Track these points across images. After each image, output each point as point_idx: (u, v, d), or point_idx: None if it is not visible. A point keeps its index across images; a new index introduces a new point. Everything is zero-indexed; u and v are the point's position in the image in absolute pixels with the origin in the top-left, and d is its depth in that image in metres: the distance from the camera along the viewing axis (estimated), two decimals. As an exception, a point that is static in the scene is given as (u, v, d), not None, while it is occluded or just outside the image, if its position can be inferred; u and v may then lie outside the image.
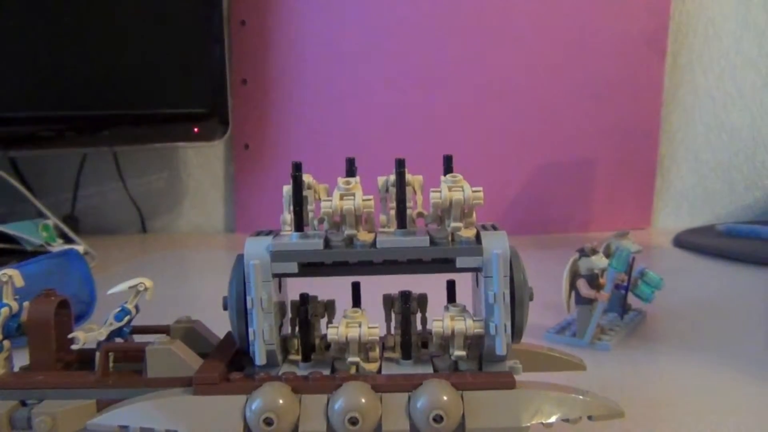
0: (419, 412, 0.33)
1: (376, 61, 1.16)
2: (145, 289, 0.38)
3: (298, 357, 0.38)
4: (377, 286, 0.40)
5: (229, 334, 0.40)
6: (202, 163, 1.26)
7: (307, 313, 0.37)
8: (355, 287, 0.40)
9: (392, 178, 0.37)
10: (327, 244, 0.36)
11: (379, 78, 1.16)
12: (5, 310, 0.37)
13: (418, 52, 1.15)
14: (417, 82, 1.15)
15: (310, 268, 0.36)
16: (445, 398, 0.33)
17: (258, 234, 0.37)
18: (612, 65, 1.13)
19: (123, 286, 0.38)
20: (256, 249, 0.35)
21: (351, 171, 0.38)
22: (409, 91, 1.15)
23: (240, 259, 0.36)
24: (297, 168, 0.36)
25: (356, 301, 0.40)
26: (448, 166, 0.37)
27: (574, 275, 0.56)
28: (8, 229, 0.94)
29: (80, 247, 0.96)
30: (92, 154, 1.23)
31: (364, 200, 0.35)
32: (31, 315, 0.36)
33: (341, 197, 0.35)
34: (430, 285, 0.41)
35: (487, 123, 1.15)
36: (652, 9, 1.12)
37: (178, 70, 1.11)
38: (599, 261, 0.54)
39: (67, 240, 1.01)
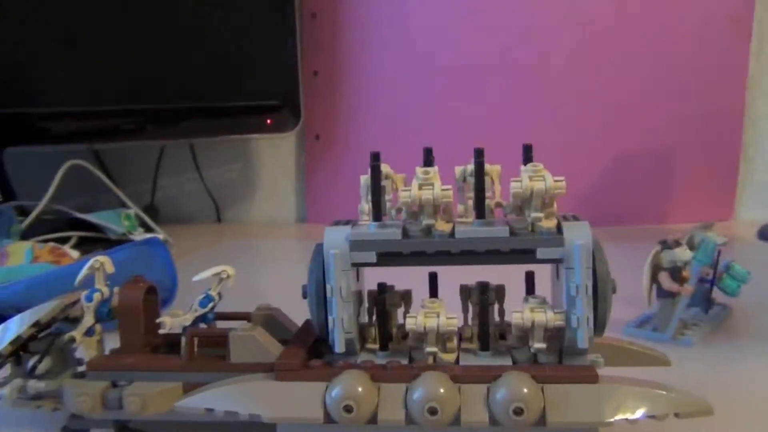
0: (499, 404, 0.32)
1: (448, 50, 1.15)
2: (228, 276, 0.39)
3: (376, 346, 0.38)
4: (454, 277, 0.40)
5: (307, 322, 0.41)
6: (274, 154, 1.29)
7: (385, 302, 0.37)
8: (433, 277, 0.40)
9: (470, 167, 0.37)
10: (405, 233, 0.36)
11: (450, 67, 1.15)
12: (97, 296, 0.38)
13: (489, 39, 1.13)
14: (489, 70, 1.13)
15: (388, 257, 0.36)
16: (525, 390, 0.32)
17: (336, 224, 0.37)
18: (693, 48, 1.08)
19: (207, 273, 0.39)
20: (336, 238, 0.36)
21: (429, 161, 0.37)
22: (482, 80, 1.14)
23: (319, 248, 0.36)
24: (375, 158, 0.36)
25: (433, 292, 0.40)
26: (527, 156, 0.36)
27: (656, 268, 0.54)
28: (93, 218, 0.98)
29: (160, 236, 1.00)
30: (170, 146, 1.27)
31: (443, 190, 0.35)
32: (121, 300, 0.38)
33: (420, 187, 0.35)
34: (507, 276, 0.41)
35: (561, 111, 1.12)
36: (736, -10, 1.07)
37: (251, 63, 1.13)
38: (683, 253, 0.53)
39: (148, 229, 1.04)
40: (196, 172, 1.28)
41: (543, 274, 0.39)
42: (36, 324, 0.38)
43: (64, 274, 0.61)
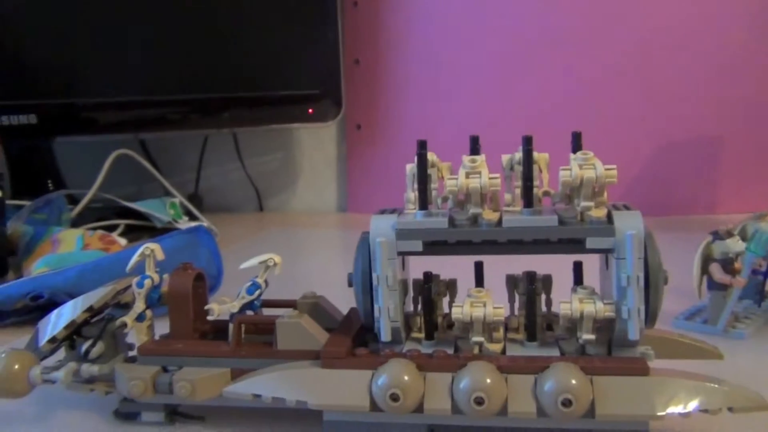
0: (547, 395, 0.32)
1: (490, 39, 1.14)
2: (275, 264, 0.39)
3: (421, 335, 0.38)
4: (500, 266, 0.39)
5: (352, 310, 0.41)
6: (316, 143, 1.29)
7: (430, 291, 0.37)
8: (478, 267, 0.39)
9: (518, 156, 0.36)
10: (452, 222, 0.35)
11: (493, 56, 1.14)
12: (148, 282, 0.39)
13: (533, 29, 1.11)
14: (534, 60, 1.12)
15: (435, 246, 0.36)
16: (574, 382, 0.32)
17: (382, 212, 0.37)
18: (743, 36, 1.05)
19: (254, 261, 0.39)
20: (382, 227, 0.35)
21: (475, 149, 0.37)
22: (526, 69, 1.12)
23: (365, 236, 0.36)
24: (422, 146, 0.36)
25: (479, 281, 0.39)
26: (577, 144, 0.36)
27: (707, 259, 0.52)
28: (139, 206, 1.00)
29: (204, 224, 1.01)
30: (213, 135, 1.28)
31: (490, 178, 0.34)
32: (171, 287, 0.38)
33: (467, 175, 0.35)
34: (553, 266, 0.40)
35: (608, 100, 1.10)
36: (792, -28, 1.03)
37: (293, 52, 1.13)
38: (735, 244, 0.51)
39: (192, 217, 1.06)
40: (239, 161, 1.30)
41: (590, 264, 0.39)
42: (89, 309, 0.39)
43: (113, 261, 0.63)
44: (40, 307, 0.60)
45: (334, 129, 1.27)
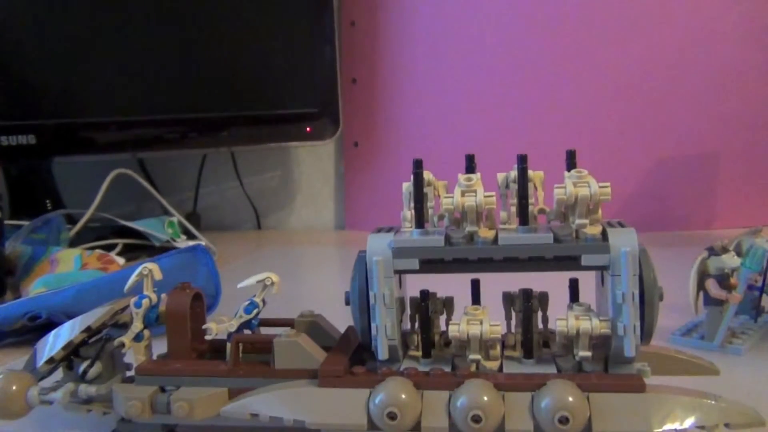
0: (544, 413, 0.32)
1: (486, 59, 1.14)
2: (272, 283, 0.39)
3: (418, 353, 0.38)
4: (496, 284, 0.40)
5: (349, 329, 0.41)
6: (314, 161, 1.30)
7: (427, 309, 0.37)
8: (475, 284, 0.40)
9: (513, 174, 0.37)
10: (448, 240, 0.35)
11: (488, 75, 1.15)
12: (146, 302, 0.39)
13: (528, 47, 1.12)
14: (529, 78, 1.13)
15: (431, 264, 0.36)
16: (570, 399, 0.32)
17: (379, 230, 0.37)
18: (737, 52, 1.06)
19: (251, 280, 0.39)
20: (379, 245, 0.36)
21: (471, 167, 0.37)
22: (521, 87, 1.13)
23: (362, 255, 0.36)
24: (418, 165, 0.36)
25: (476, 299, 0.40)
26: (571, 161, 0.36)
27: (702, 275, 0.53)
28: (137, 225, 1.00)
29: (202, 243, 1.01)
30: (212, 154, 1.28)
31: (486, 196, 0.35)
32: (169, 306, 0.39)
33: (463, 194, 0.35)
34: (549, 283, 0.40)
35: (603, 116, 1.11)
36: (783, -10, 1.05)
37: (291, 71, 1.14)
38: (731, 260, 0.51)
39: (190, 236, 1.06)
40: (237, 179, 1.30)
41: (586, 281, 0.39)
42: (87, 330, 0.39)
43: (111, 280, 0.63)
44: (38, 327, 0.60)
45: (331, 147, 1.28)
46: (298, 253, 1.12)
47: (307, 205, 1.31)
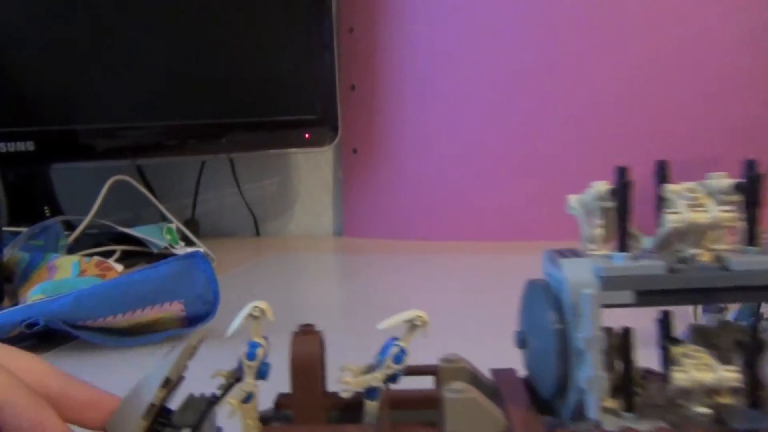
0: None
1: (485, 65, 1.05)
2: (423, 323, 0.27)
3: (611, 403, 0.27)
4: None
5: (498, 373, 0.30)
6: (312, 168, 1.19)
7: (629, 350, 0.27)
8: (665, 316, 0.29)
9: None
10: (669, 267, 0.25)
11: (489, 81, 1.05)
12: (260, 351, 0.27)
13: (528, 54, 1.03)
14: (530, 84, 1.04)
15: (648, 296, 0.26)
16: None
17: (560, 254, 0.27)
18: (739, 59, 0.99)
19: (396, 319, 0.27)
20: (582, 274, 0.25)
21: (663, 177, 0.28)
22: (523, 94, 1.04)
23: (545, 285, 0.26)
24: (622, 173, 0.26)
25: (666, 333, 0.29)
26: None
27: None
28: (135, 232, 0.92)
29: (201, 250, 0.91)
30: (210, 161, 1.17)
31: (723, 212, 0.25)
32: (296, 355, 0.27)
33: (690, 208, 0.25)
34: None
35: (603, 119, 1.02)
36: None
37: (289, 78, 1.05)
38: None
39: (189, 242, 0.97)
40: (236, 186, 1.18)
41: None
42: (166, 383, 0.27)
43: (110, 287, 0.57)
44: (35, 334, 0.53)
45: (330, 153, 1.17)
46: (298, 259, 1.01)
47: (306, 211, 1.20)
